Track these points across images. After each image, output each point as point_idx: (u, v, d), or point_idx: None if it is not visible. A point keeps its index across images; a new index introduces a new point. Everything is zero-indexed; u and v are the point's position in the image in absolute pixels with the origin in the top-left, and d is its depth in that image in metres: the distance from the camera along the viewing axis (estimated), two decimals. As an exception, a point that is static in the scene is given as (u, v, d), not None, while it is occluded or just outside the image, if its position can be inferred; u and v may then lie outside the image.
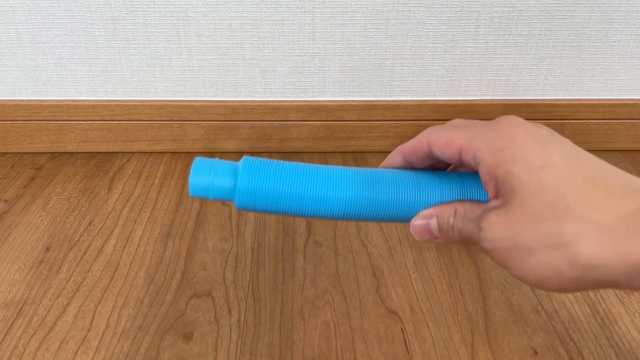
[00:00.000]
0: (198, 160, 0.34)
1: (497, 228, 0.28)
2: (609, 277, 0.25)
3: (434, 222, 0.33)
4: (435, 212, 0.33)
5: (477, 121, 0.33)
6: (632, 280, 0.24)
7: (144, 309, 0.50)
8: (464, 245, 0.48)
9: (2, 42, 0.69)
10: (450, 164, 0.36)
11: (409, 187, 0.34)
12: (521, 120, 0.30)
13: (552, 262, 0.26)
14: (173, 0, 0.66)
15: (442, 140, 0.32)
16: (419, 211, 0.34)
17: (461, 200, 0.33)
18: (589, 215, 0.25)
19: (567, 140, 0.30)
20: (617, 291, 0.52)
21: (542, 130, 0.30)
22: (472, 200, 0.33)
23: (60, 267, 0.55)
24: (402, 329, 0.48)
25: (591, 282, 0.25)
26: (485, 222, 0.29)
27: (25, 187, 0.68)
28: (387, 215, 0.34)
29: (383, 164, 0.36)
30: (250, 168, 0.34)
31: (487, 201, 0.31)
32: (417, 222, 0.33)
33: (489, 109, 0.74)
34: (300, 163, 0.35)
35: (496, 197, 0.29)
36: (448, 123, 0.34)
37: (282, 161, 0.35)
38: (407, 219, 0.34)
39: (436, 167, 0.36)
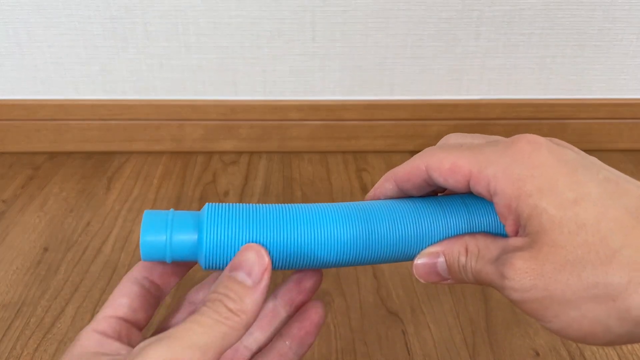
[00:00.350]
0: (149, 214, 0.28)
1: (525, 276, 0.24)
2: None
3: (441, 262, 0.28)
4: (442, 249, 0.28)
5: (480, 137, 0.29)
6: None
7: (142, 310, 0.50)
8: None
9: (0, 41, 0.69)
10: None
11: (407, 220, 0.29)
12: (541, 139, 0.25)
13: (597, 317, 0.22)
14: (172, -1, 0.66)
15: (445, 165, 0.27)
16: (421, 249, 0.29)
17: (472, 234, 0.28)
18: (637, 260, 0.22)
19: (597, 161, 0.26)
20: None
21: (568, 152, 0.25)
22: (485, 234, 0.28)
23: (58, 268, 0.55)
24: (402, 331, 0.48)
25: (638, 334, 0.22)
26: (509, 268, 0.24)
27: (23, 187, 0.68)
28: (384, 256, 0.29)
29: (372, 192, 0.31)
30: (217, 217, 0.28)
31: (503, 235, 0.27)
32: (420, 261, 0.29)
33: (490, 109, 0.73)
34: (275, 205, 0.29)
35: (516, 233, 0.26)
36: (444, 141, 0.29)
37: (252, 205, 0.29)
38: (409, 258, 0.29)
39: (433, 193, 0.31)
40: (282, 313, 0.31)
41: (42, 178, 0.70)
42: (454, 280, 0.28)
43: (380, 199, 0.31)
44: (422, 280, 0.29)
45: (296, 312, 0.32)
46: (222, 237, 0.27)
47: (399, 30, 0.69)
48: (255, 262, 0.27)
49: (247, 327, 0.26)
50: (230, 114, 0.73)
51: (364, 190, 0.68)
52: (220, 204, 0.29)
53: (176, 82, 0.72)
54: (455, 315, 0.49)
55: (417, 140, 0.75)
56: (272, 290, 0.31)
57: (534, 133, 0.26)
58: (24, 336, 0.47)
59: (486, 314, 0.49)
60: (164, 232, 0.27)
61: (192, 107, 0.73)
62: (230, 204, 0.29)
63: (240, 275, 0.26)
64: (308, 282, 0.31)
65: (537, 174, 0.24)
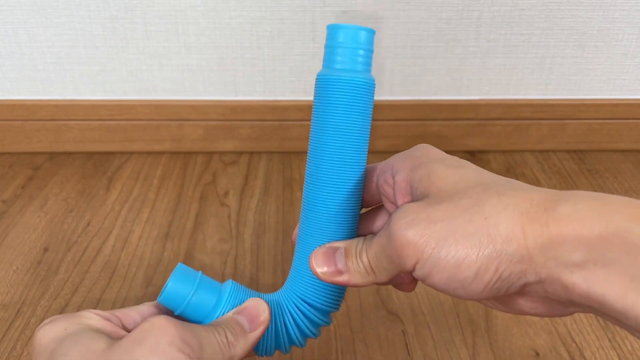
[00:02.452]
0: (181, 267, 0.32)
1: (409, 212, 0.27)
2: (522, 251, 0.24)
3: (340, 252, 0.30)
4: (341, 244, 0.31)
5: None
6: (541, 256, 0.24)
7: (142, 310, 0.50)
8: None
9: (0, 41, 0.69)
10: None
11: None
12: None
13: (471, 239, 0.25)
14: (172, -1, 0.66)
15: (371, 183, 0.33)
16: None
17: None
18: (509, 198, 0.25)
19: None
20: (620, 292, 0.52)
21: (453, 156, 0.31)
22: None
23: (58, 268, 0.55)
24: (403, 331, 0.48)
25: (505, 261, 0.24)
26: (395, 213, 0.27)
27: (23, 187, 0.68)
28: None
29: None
30: (236, 293, 0.33)
31: None
32: (317, 252, 0.31)
33: (490, 109, 0.73)
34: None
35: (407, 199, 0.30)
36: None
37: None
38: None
39: None
40: None
41: (42, 178, 0.70)
42: (350, 275, 0.30)
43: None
44: (316, 270, 0.30)
45: None
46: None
47: (399, 31, 0.69)
48: (257, 313, 0.32)
49: (232, 355, 0.30)
50: (230, 114, 0.73)
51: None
52: (241, 285, 0.33)
53: (176, 82, 0.72)
54: (455, 316, 0.49)
55: (417, 140, 0.75)
56: None
57: (533, 133, 0.30)
58: (24, 336, 0.47)
59: (486, 314, 0.49)
60: (191, 286, 0.31)
61: (192, 107, 0.72)
62: (249, 289, 0.33)
63: (242, 319, 0.31)
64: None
65: (431, 153, 0.30)
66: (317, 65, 0.71)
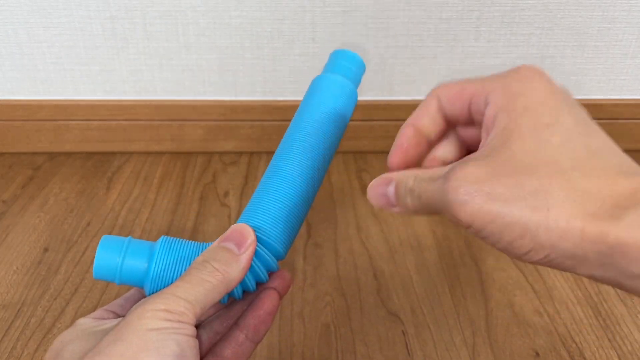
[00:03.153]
0: (106, 238, 0.31)
1: (471, 176, 0.25)
2: (576, 251, 0.23)
3: (391, 188, 0.29)
4: (395, 176, 0.29)
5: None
6: (597, 260, 0.23)
7: (142, 310, 0.50)
8: (441, 216, 0.44)
9: (0, 42, 0.69)
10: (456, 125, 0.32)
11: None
12: (542, 71, 0.27)
13: (528, 224, 0.23)
14: (172, -1, 0.66)
15: (452, 90, 0.29)
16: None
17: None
18: (579, 194, 0.23)
19: (583, 108, 0.27)
20: (619, 292, 0.52)
21: (561, 89, 0.27)
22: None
23: (58, 268, 0.55)
24: (403, 331, 0.48)
25: (558, 254, 0.23)
26: (455, 171, 0.25)
27: (23, 187, 0.68)
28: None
29: (395, 144, 0.32)
30: (167, 251, 0.31)
31: None
32: (373, 184, 0.30)
33: (490, 109, 0.73)
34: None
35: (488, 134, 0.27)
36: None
37: (203, 244, 0.32)
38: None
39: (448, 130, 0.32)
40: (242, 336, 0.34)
41: (42, 178, 0.70)
42: (400, 208, 0.29)
43: (402, 147, 0.32)
44: (372, 202, 0.30)
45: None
46: (170, 270, 0.30)
47: (399, 31, 0.69)
48: (243, 234, 0.31)
49: (228, 289, 0.29)
50: (230, 114, 0.73)
51: (364, 190, 0.68)
52: (174, 238, 0.32)
53: (176, 82, 0.72)
54: (455, 316, 0.49)
55: (417, 141, 0.75)
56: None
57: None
58: (24, 336, 0.47)
59: (486, 314, 0.49)
60: (118, 255, 0.30)
61: (192, 108, 0.72)
62: (184, 240, 0.32)
63: (229, 244, 0.30)
64: (260, 311, 0.34)
65: (527, 95, 0.26)
66: (317, 65, 0.71)
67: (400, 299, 0.51)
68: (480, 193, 0.24)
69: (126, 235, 0.59)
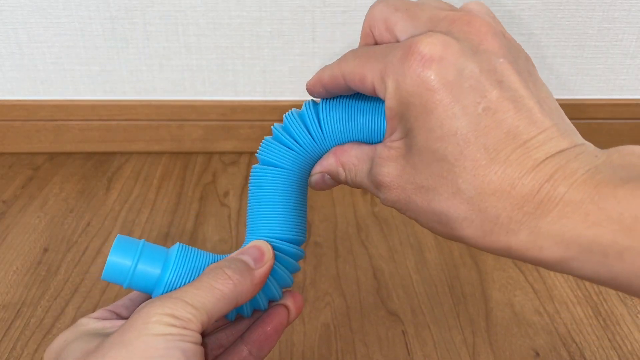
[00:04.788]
0: (121, 238, 0.30)
1: (393, 192, 0.27)
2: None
3: (327, 177, 0.32)
4: (322, 169, 0.32)
5: (402, 25, 0.27)
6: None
7: (142, 310, 0.50)
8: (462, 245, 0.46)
9: (0, 42, 0.69)
10: None
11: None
12: (439, 47, 0.24)
13: (441, 233, 0.26)
14: (172, -1, 0.66)
15: (355, 77, 0.28)
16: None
17: (341, 147, 0.31)
18: (477, 202, 0.24)
19: (499, 73, 0.24)
20: (620, 292, 0.52)
21: (467, 66, 0.24)
22: (353, 144, 0.31)
23: (58, 268, 0.55)
24: (403, 331, 0.48)
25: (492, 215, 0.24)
26: (380, 184, 0.28)
27: (23, 187, 0.68)
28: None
29: (309, 85, 0.32)
30: (184, 259, 0.29)
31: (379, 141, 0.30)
32: (313, 178, 0.33)
33: (490, 109, 0.73)
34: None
35: (392, 134, 0.27)
36: (365, 33, 0.29)
37: (217, 256, 0.31)
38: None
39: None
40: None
41: (42, 178, 0.70)
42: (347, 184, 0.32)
43: (314, 95, 0.33)
44: (318, 189, 0.33)
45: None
46: (183, 279, 0.29)
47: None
48: (262, 251, 0.30)
49: (237, 301, 0.28)
50: (230, 114, 0.73)
51: (364, 190, 0.68)
52: (190, 247, 0.30)
53: (176, 83, 0.72)
54: (455, 316, 0.49)
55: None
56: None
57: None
58: (24, 337, 0.47)
59: (486, 314, 0.49)
60: (132, 259, 0.29)
61: (192, 108, 0.72)
62: (200, 250, 0.31)
63: (246, 257, 0.29)
64: (267, 327, 0.33)
65: (418, 101, 0.24)
66: (317, 65, 0.71)
67: (400, 299, 0.51)
68: (401, 204, 0.27)
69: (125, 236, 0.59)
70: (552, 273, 0.54)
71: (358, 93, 0.30)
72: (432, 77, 0.24)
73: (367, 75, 0.27)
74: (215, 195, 0.67)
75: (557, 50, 0.71)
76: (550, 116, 0.25)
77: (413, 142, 0.26)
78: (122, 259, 0.29)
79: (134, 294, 0.33)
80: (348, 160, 0.31)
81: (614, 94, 0.74)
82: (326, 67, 0.30)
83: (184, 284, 0.29)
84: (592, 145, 0.25)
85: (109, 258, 0.29)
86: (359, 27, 0.68)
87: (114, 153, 0.76)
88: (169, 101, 0.72)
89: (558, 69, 0.72)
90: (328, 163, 0.31)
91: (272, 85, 0.72)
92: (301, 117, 0.33)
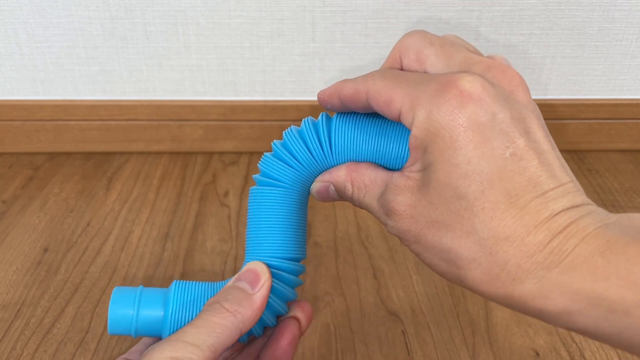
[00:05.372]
0: (118, 290, 0.30)
1: (404, 222, 0.27)
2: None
3: (332, 189, 0.31)
4: (329, 179, 0.31)
5: (440, 45, 0.28)
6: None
7: (142, 310, 0.50)
8: None
9: (0, 42, 0.69)
10: None
11: None
12: (477, 91, 0.25)
13: (445, 274, 0.26)
14: (172, -1, 0.66)
15: (381, 98, 0.27)
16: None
17: (356, 164, 0.30)
18: (489, 246, 0.24)
19: (524, 125, 0.25)
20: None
21: (497, 113, 0.25)
22: (369, 165, 0.30)
23: (58, 268, 0.55)
24: (403, 331, 0.48)
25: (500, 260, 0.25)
26: (392, 211, 0.28)
27: (22, 187, 0.68)
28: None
29: (322, 96, 0.32)
30: (182, 295, 0.30)
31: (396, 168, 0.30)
32: (315, 187, 0.32)
33: (490, 109, 0.73)
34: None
35: (413, 164, 0.27)
36: (402, 42, 0.29)
37: (217, 283, 0.31)
38: None
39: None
40: None
41: (42, 178, 0.70)
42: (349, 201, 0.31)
43: (326, 106, 0.32)
44: (317, 198, 0.32)
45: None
46: (187, 315, 0.29)
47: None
48: (257, 274, 0.30)
49: (241, 330, 0.28)
50: (230, 114, 0.73)
51: (364, 190, 0.68)
52: (187, 282, 0.31)
53: (176, 83, 0.72)
54: (455, 316, 0.49)
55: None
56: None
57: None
58: (23, 337, 0.47)
59: (486, 314, 0.49)
60: (132, 307, 0.29)
61: (192, 108, 0.72)
62: (197, 282, 0.31)
63: (242, 284, 0.29)
64: (283, 341, 0.33)
65: (448, 135, 0.25)
66: (317, 65, 0.71)
67: (400, 299, 0.51)
68: (410, 235, 0.27)
69: (126, 236, 0.59)
70: (552, 273, 0.54)
71: (374, 114, 0.30)
72: (467, 115, 0.24)
73: (395, 99, 0.27)
74: (215, 195, 0.67)
75: (557, 50, 0.71)
76: (567, 173, 0.26)
77: (433, 176, 0.26)
78: (123, 309, 0.29)
79: (147, 339, 0.33)
80: (360, 179, 0.30)
81: (614, 94, 0.74)
82: (348, 80, 0.30)
83: (190, 319, 0.29)
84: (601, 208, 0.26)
85: (109, 312, 0.29)
86: (359, 27, 0.68)
87: (113, 153, 0.76)
88: (169, 101, 0.72)
89: (558, 69, 0.72)
90: (337, 175, 0.31)
91: (272, 85, 0.72)
92: (315, 129, 0.32)
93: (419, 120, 0.25)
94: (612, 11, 0.68)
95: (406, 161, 0.29)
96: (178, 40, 0.69)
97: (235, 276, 0.30)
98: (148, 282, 0.53)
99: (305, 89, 0.72)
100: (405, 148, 0.30)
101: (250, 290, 0.29)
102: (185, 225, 0.61)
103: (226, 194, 0.67)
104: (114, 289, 0.30)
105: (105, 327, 0.48)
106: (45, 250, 0.57)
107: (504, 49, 0.70)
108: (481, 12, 0.67)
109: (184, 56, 0.70)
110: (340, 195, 0.31)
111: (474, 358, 0.45)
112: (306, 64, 0.71)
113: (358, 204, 0.31)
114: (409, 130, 0.27)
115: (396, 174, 0.28)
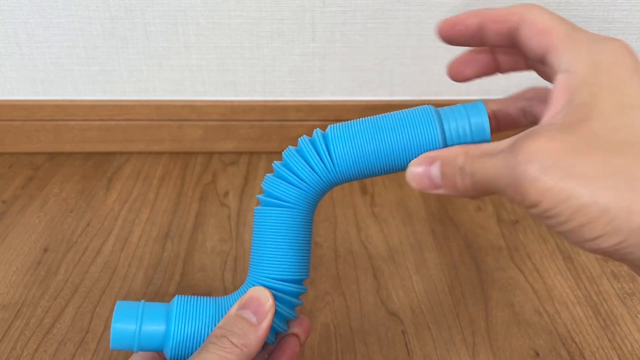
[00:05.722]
0: (121, 304, 0.30)
1: (547, 151, 0.22)
2: None
3: (435, 168, 0.27)
4: (438, 154, 0.28)
5: (579, 28, 0.28)
6: None
7: (142, 310, 0.50)
8: (479, 196, 0.39)
9: (0, 42, 0.69)
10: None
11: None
12: (630, 48, 0.25)
13: (609, 205, 0.21)
14: (172, -1, 0.66)
15: (540, 23, 0.26)
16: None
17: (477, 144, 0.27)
18: None
19: None
20: (619, 292, 0.52)
21: None
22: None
23: (58, 269, 0.55)
24: (402, 331, 0.48)
25: (634, 241, 0.21)
26: (527, 144, 0.23)
27: (22, 187, 0.68)
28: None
29: (454, 18, 0.29)
30: (185, 309, 0.30)
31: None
32: (414, 167, 0.28)
33: (490, 109, 0.73)
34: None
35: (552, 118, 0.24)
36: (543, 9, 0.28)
37: (219, 298, 0.32)
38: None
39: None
40: None
41: (42, 178, 0.70)
42: (446, 189, 0.27)
43: (454, 33, 0.30)
44: (414, 185, 0.28)
45: None
46: (189, 330, 0.30)
47: (399, 31, 0.69)
48: (261, 301, 0.30)
49: (249, 357, 0.28)
50: (230, 114, 0.73)
51: (364, 190, 0.68)
52: (189, 296, 0.31)
53: (176, 83, 0.72)
54: (455, 316, 0.49)
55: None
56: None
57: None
58: (23, 337, 0.47)
59: (486, 314, 0.49)
60: (135, 322, 0.29)
61: (192, 108, 0.72)
62: (199, 297, 0.31)
63: (246, 314, 0.29)
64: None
65: (614, 73, 0.24)
66: (317, 66, 0.71)
67: (400, 299, 0.51)
68: (556, 169, 0.22)
69: (126, 236, 0.59)
70: (552, 273, 0.54)
71: (366, 120, 0.32)
72: (633, 60, 0.24)
73: (554, 30, 0.26)
74: (215, 195, 0.67)
75: (557, 50, 0.70)
76: None
77: (591, 111, 0.23)
78: (125, 324, 0.29)
79: (147, 356, 0.33)
80: (477, 147, 0.27)
81: (613, 94, 0.74)
82: (486, 9, 0.28)
83: (192, 335, 0.29)
84: None
85: (112, 326, 0.29)
86: (359, 28, 0.68)
87: (113, 153, 0.76)
88: (168, 101, 0.72)
89: (558, 69, 0.72)
90: (448, 149, 0.28)
91: (272, 85, 0.72)
92: (312, 144, 0.32)
93: (581, 57, 0.24)
94: (612, 11, 0.68)
95: (411, 157, 0.28)
96: (178, 40, 0.69)
97: (239, 303, 0.30)
98: (148, 282, 0.53)
99: (305, 89, 0.72)
100: (407, 144, 0.30)
101: (255, 321, 0.29)
102: (185, 225, 0.61)
103: (226, 194, 0.67)
104: (116, 304, 0.31)
105: (106, 327, 0.48)
106: (45, 250, 0.57)
107: (504, 49, 0.70)
108: (481, 12, 0.67)
109: (184, 56, 0.70)
110: (444, 173, 0.27)
111: (474, 358, 0.45)
112: (306, 64, 0.71)
113: (468, 175, 0.26)
114: (407, 127, 0.26)
115: (541, 123, 0.25)
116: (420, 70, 0.71)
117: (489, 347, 0.46)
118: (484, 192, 0.26)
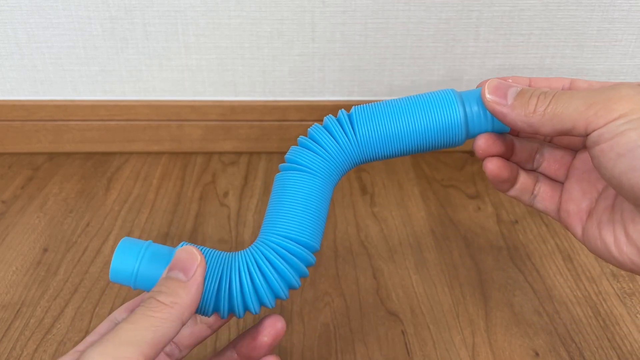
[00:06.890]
0: (126, 240, 0.30)
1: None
2: None
3: (513, 89, 0.28)
4: (520, 84, 0.29)
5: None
6: None
7: (142, 310, 0.50)
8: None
9: (0, 42, 0.69)
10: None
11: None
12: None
13: None
14: (172, -1, 0.66)
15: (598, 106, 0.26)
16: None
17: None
18: None
19: None
20: (619, 292, 0.52)
21: None
22: None
23: (57, 269, 0.55)
24: (402, 331, 0.48)
25: None
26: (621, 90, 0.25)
27: (22, 187, 0.68)
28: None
29: (493, 84, 0.30)
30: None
31: None
32: (495, 79, 0.30)
33: (490, 109, 0.73)
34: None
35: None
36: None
37: (221, 253, 0.32)
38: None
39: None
40: None
41: (42, 179, 0.70)
42: (513, 110, 0.27)
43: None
44: (487, 94, 0.29)
45: None
46: None
47: (398, 31, 0.69)
48: (188, 259, 0.29)
49: (182, 319, 0.27)
50: (229, 115, 0.73)
51: (364, 191, 0.68)
52: (197, 246, 0.31)
53: (176, 83, 0.72)
54: (455, 316, 0.49)
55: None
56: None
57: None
58: (23, 337, 0.47)
59: (486, 314, 0.49)
60: (136, 260, 0.30)
61: (192, 108, 0.72)
62: (207, 248, 0.31)
63: (174, 273, 0.29)
64: (264, 338, 0.33)
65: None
66: (317, 66, 0.71)
67: (400, 299, 0.51)
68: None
69: (124, 236, 0.59)
70: (551, 273, 0.54)
71: (388, 102, 0.33)
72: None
73: (617, 106, 0.26)
74: (215, 196, 0.67)
75: (557, 50, 0.71)
76: None
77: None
78: (125, 260, 0.30)
79: (100, 329, 0.33)
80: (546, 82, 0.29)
81: (613, 94, 0.74)
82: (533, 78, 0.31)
83: None
84: None
85: (113, 260, 0.30)
86: (359, 28, 0.68)
87: (113, 153, 0.76)
88: (168, 101, 0.72)
89: (558, 69, 0.72)
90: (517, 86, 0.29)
91: (272, 85, 0.72)
92: (337, 121, 0.34)
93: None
94: (611, 11, 0.68)
95: (433, 139, 0.31)
96: (178, 40, 0.69)
97: (169, 265, 0.30)
98: (148, 282, 0.53)
99: (304, 89, 0.72)
100: (429, 125, 0.31)
101: (184, 278, 0.28)
102: (185, 225, 0.61)
103: (226, 194, 0.67)
104: (122, 239, 0.31)
105: (105, 327, 0.48)
106: (45, 250, 0.57)
107: (504, 49, 0.70)
108: (481, 12, 0.67)
109: (183, 56, 0.70)
110: (523, 92, 0.27)
111: (474, 358, 0.45)
112: (306, 64, 0.71)
113: (550, 104, 0.26)
114: (430, 109, 0.29)
115: None
116: (419, 71, 0.71)
117: (489, 347, 0.46)
118: (551, 128, 0.26)
